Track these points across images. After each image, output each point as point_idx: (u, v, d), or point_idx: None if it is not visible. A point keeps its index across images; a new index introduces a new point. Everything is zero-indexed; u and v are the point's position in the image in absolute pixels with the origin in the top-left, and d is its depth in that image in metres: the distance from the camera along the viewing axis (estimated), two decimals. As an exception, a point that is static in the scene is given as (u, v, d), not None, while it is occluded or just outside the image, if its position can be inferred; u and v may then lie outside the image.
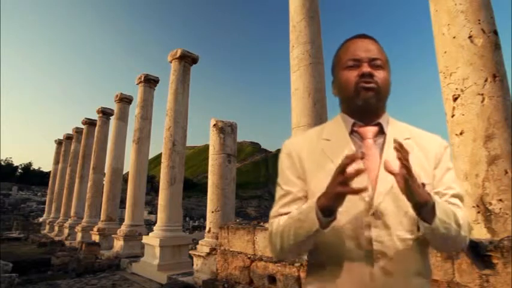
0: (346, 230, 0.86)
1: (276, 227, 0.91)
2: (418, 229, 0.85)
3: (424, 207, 0.78)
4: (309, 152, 0.97)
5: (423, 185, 0.86)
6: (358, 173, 0.74)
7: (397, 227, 0.84)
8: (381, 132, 0.95)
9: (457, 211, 0.85)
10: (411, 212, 0.85)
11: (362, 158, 0.89)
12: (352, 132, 0.95)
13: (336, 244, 0.86)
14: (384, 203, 0.85)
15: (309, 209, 0.81)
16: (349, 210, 0.86)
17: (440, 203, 0.81)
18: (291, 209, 0.93)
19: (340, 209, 0.82)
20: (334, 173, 0.77)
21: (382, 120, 0.95)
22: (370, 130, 0.94)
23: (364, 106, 0.92)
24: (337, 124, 0.99)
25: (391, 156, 0.89)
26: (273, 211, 0.97)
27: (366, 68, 0.90)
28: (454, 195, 0.91)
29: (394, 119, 1.00)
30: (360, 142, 0.94)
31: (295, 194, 0.94)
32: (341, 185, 0.75)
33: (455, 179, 0.95)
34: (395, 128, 0.97)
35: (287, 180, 0.97)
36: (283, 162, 1.00)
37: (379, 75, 0.91)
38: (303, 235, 0.83)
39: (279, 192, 0.99)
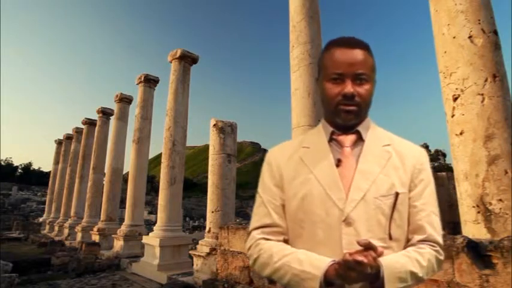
0: (319, 236, 0.88)
1: (264, 261, 0.90)
2: (390, 238, 0.87)
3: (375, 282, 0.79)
4: (288, 160, 0.98)
5: (397, 194, 0.88)
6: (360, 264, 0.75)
7: (368, 234, 0.85)
8: (360, 139, 0.95)
9: (419, 258, 0.85)
10: (383, 220, 0.86)
11: (338, 166, 0.91)
12: (331, 139, 0.96)
13: (309, 250, 0.87)
14: (356, 211, 0.86)
15: (313, 276, 0.81)
16: (322, 216, 0.87)
17: (391, 271, 0.80)
18: (270, 220, 0.94)
19: (314, 216, 0.86)
20: (343, 260, 0.78)
21: (361, 128, 0.95)
22: (348, 138, 0.95)
23: (344, 125, 0.94)
24: (318, 132, 1.00)
25: (366, 163, 0.91)
26: (253, 222, 0.97)
27: (348, 89, 0.89)
28: (424, 240, 0.89)
29: (376, 125, 1.00)
30: (339, 149, 0.94)
31: (272, 203, 0.96)
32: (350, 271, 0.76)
33: (434, 195, 0.94)
34: (375, 134, 0.97)
35: (265, 188, 0.99)
36: (263, 171, 1.02)
37: (362, 91, 0.90)
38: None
39: (257, 200, 1.00)
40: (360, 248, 0.78)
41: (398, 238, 0.88)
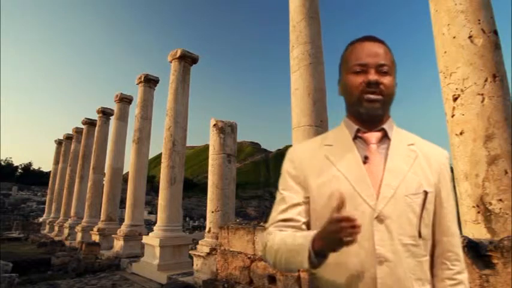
0: None
1: (271, 244, 0.90)
2: (420, 236, 0.87)
3: None
4: (311, 158, 0.97)
5: (426, 192, 0.88)
6: (352, 223, 0.72)
7: (399, 231, 0.85)
8: (385, 137, 0.95)
9: None
10: (413, 218, 0.86)
11: (365, 163, 0.90)
12: (356, 137, 0.95)
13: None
14: (387, 208, 0.86)
15: (303, 247, 0.80)
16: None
17: None
18: (289, 215, 0.93)
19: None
20: (329, 218, 0.75)
21: (386, 126, 0.95)
22: (374, 135, 0.94)
23: (368, 115, 0.93)
24: (341, 130, 0.99)
25: (395, 161, 0.90)
26: (271, 218, 0.97)
27: (372, 76, 0.90)
28: (454, 251, 0.94)
29: (398, 127, 1.00)
30: (364, 147, 0.94)
31: (293, 200, 0.94)
32: (337, 232, 0.73)
33: (454, 196, 0.98)
34: (399, 134, 0.97)
35: (286, 186, 0.98)
36: (285, 168, 1.01)
37: (385, 81, 0.91)
38: (293, 266, 0.85)
39: (278, 197, 0.99)
40: None
41: (426, 237, 0.89)
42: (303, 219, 0.93)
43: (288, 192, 0.96)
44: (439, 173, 0.94)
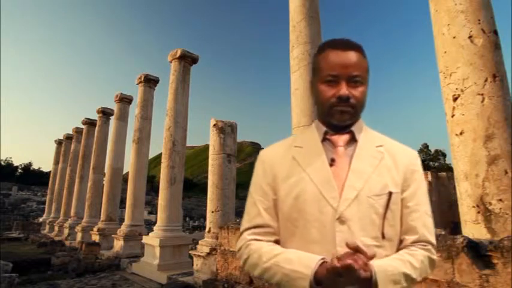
0: (312, 234, 0.87)
1: (255, 262, 0.90)
2: (383, 237, 0.87)
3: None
4: (281, 160, 0.98)
5: (390, 193, 0.89)
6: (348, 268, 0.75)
7: (361, 232, 0.85)
8: (353, 139, 0.96)
9: (411, 260, 0.86)
10: (376, 219, 0.87)
11: (331, 165, 0.91)
12: (324, 139, 0.97)
13: (302, 248, 0.87)
14: (349, 209, 0.86)
15: (303, 275, 0.81)
16: (316, 215, 0.88)
17: (383, 274, 0.80)
18: (262, 221, 0.94)
19: (308, 215, 0.87)
20: (331, 266, 0.77)
21: (354, 128, 0.96)
22: (341, 138, 0.95)
23: (338, 126, 0.95)
24: (311, 132, 1.01)
25: (359, 163, 0.91)
26: (244, 223, 0.98)
27: (343, 91, 0.90)
28: (416, 241, 0.91)
29: (368, 128, 1.01)
30: (332, 149, 0.95)
31: (264, 204, 0.96)
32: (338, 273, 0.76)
33: (426, 195, 0.96)
34: (368, 135, 0.98)
35: (257, 189, 0.99)
36: (256, 170, 1.02)
37: (357, 94, 0.91)
38: (287, 286, 0.85)
39: (249, 200, 1.00)
40: (349, 250, 0.78)
41: (391, 238, 0.89)
42: (276, 224, 0.95)
43: (258, 195, 0.97)
44: (405, 173, 0.94)
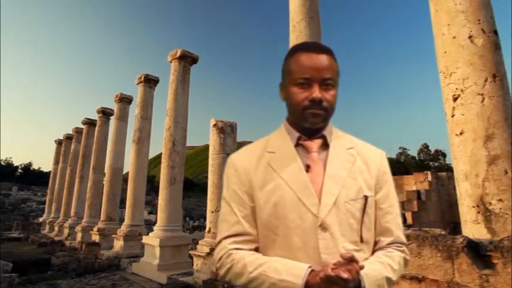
0: (294, 241, 0.87)
1: (239, 271, 0.88)
2: (362, 240, 0.89)
3: None
4: (255, 166, 0.96)
5: (365, 197, 0.90)
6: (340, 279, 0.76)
7: (341, 238, 0.87)
8: (325, 144, 0.96)
9: (390, 263, 0.88)
10: (354, 224, 0.88)
11: (307, 171, 0.91)
12: (297, 144, 0.96)
13: (285, 256, 0.86)
14: (330, 216, 0.87)
15: (293, 285, 0.80)
16: (297, 222, 0.87)
17: (370, 280, 0.81)
18: (241, 229, 0.92)
19: (288, 222, 0.86)
20: (325, 275, 0.77)
21: (326, 132, 0.97)
22: (315, 143, 0.96)
23: (311, 129, 0.95)
24: (282, 136, 1.00)
25: (334, 168, 0.92)
26: (223, 231, 0.95)
27: (316, 94, 0.89)
28: (392, 242, 0.93)
29: (337, 129, 1.02)
30: (306, 155, 0.95)
31: (241, 211, 0.93)
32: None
33: (396, 196, 0.99)
34: (338, 138, 0.99)
35: (233, 196, 0.95)
36: (229, 177, 0.98)
37: (329, 97, 0.91)
38: None
39: (225, 207, 0.97)
40: (339, 259, 0.79)
41: (368, 241, 0.91)
42: (255, 231, 0.93)
43: (235, 203, 0.94)
44: (377, 175, 0.96)
